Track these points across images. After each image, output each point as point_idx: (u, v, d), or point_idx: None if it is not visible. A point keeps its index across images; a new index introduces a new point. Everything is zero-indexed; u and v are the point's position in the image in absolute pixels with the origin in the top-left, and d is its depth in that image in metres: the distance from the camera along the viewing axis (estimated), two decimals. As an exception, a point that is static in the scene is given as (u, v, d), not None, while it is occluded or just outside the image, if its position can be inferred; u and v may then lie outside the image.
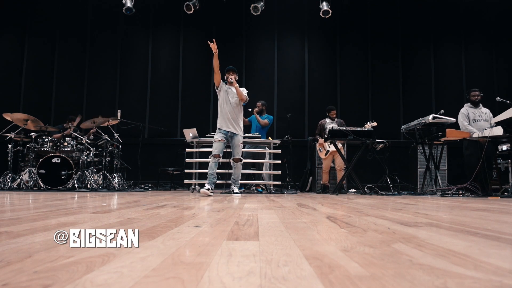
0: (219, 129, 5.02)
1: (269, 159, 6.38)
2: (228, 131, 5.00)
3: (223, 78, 5.06)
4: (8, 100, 8.34)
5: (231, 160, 5.15)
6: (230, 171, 6.16)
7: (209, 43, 4.74)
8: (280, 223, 1.58)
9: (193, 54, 8.75)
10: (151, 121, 8.47)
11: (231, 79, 4.94)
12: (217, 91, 5.07)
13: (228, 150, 5.28)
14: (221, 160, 5.88)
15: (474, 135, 5.68)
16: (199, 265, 0.77)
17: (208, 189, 4.65)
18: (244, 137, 6.31)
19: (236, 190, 5.08)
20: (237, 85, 4.99)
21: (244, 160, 6.56)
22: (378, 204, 3.20)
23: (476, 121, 5.99)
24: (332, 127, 6.02)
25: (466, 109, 6.02)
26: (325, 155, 6.66)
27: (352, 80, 8.92)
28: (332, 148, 6.44)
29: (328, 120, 6.89)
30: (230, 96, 4.99)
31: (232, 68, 5.07)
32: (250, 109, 6.61)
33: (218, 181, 6.40)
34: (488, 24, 9.02)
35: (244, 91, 5.04)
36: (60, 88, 8.66)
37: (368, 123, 6.25)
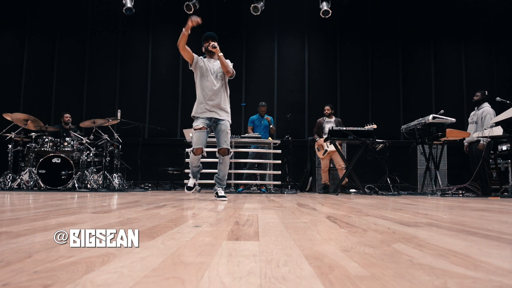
0: (198, 116, 3.87)
1: (269, 159, 6.39)
2: (211, 118, 3.84)
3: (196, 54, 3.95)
4: (8, 100, 8.34)
5: (217, 153, 3.90)
6: (230, 171, 6.14)
7: (190, 20, 3.62)
8: (280, 223, 1.58)
9: (193, 54, 8.75)
10: (151, 121, 8.47)
11: (214, 45, 3.80)
12: (191, 69, 3.95)
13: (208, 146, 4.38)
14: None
15: (470, 137, 5.83)
16: (199, 265, 0.77)
17: (194, 185, 3.89)
18: (243, 137, 6.32)
19: (221, 192, 3.77)
20: (221, 54, 3.78)
21: (251, 161, 6.55)
22: (378, 204, 3.20)
23: (469, 124, 6.11)
24: (332, 127, 6.03)
25: (471, 113, 6.22)
26: (323, 154, 6.65)
27: (352, 80, 8.92)
28: (330, 148, 6.43)
29: (325, 118, 6.88)
30: (211, 71, 3.85)
31: (212, 34, 3.91)
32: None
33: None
34: (488, 24, 9.02)
35: (229, 63, 3.89)
36: (60, 88, 8.67)
37: (367, 125, 6.22)
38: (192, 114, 3.93)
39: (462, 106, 8.67)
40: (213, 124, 3.88)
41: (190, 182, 3.91)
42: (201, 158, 3.89)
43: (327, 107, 6.88)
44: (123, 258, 0.83)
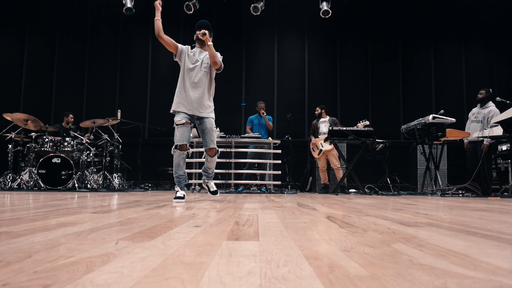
0: (178, 111, 3.48)
1: (269, 159, 6.39)
2: (193, 115, 3.50)
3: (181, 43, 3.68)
4: (8, 100, 8.34)
5: (204, 153, 3.69)
6: (230, 171, 6.16)
7: (155, 5, 3.45)
8: (280, 223, 1.58)
9: (193, 54, 8.74)
10: (151, 121, 8.47)
11: (204, 32, 3.49)
12: (176, 60, 3.60)
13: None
14: (220, 159, 5.55)
15: (471, 137, 5.80)
16: (199, 265, 0.77)
17: (183, 197, 3.31)
18: (243, 137, 6.32)
19: (213, 187, 3.71)
20: (211, 43, 3.47)
21: (250, 161, 6.55)
22: (378, 204, 3.20)
23: (472, 122, 6.08)
24: (332, 127, 6.04)
25: (473, 110, 6.16)
26: (318, 154, 6.68)
27: (352, 80, 8.92)
28: (325, 147, 6.47)
29: (321, 119, 6.89)
30: (197, 62, 3.53)
31: (205, 23, 3.61)
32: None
33: (218, 181, 6.39)
34: (488, 24, 9.02)
35: (219, 55, 3.56)
36: (60, 88, 8.67)
37: (361, 122, 6.21)
38: (172, 109, 3.51)
39: (462, 106, 8.67)
40: (196, 121, 3.57)
41: (179, 193, 3.34)
42: (186, 157, 3.51)
43: (316, 108, 6.93)
44: (123, 258, 0.83)
